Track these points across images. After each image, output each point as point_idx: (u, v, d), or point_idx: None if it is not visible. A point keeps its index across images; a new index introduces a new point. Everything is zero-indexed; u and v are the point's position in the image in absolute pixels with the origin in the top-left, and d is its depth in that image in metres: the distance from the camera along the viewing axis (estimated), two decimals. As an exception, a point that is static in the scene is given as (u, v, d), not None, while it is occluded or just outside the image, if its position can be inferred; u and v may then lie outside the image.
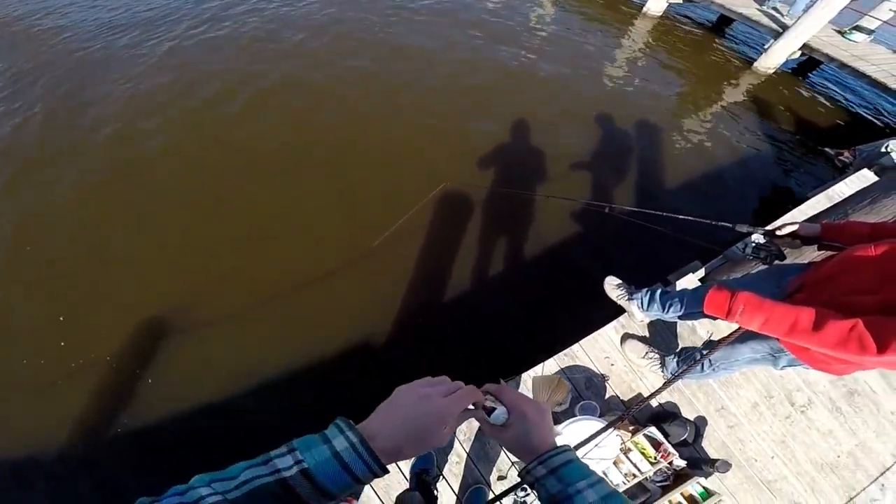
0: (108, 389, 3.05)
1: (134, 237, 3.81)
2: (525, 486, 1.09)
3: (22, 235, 3.84)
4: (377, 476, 0.53)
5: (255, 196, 4.08)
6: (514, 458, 2.25)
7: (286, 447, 0.52)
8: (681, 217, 1.94)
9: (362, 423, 0.58)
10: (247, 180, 4.21)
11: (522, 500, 2.07)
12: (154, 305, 3.38)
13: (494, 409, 0.66)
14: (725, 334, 1.60)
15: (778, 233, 1.70)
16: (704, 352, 1.89)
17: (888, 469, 2.33)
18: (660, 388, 1.51)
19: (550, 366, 2.49)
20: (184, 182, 4.24)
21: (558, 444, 0.66)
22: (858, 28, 6.95)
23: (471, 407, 0.66)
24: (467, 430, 2.30)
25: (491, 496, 2.09)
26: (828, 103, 6.28)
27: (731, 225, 1.78)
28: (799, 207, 3.34)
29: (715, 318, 1.55)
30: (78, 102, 5.16)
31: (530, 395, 0.86)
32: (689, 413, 2.37)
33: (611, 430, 1.53)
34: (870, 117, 6.17)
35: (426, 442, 0.57)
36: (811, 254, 2.10)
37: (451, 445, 2.25)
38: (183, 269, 3.60)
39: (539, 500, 0.63)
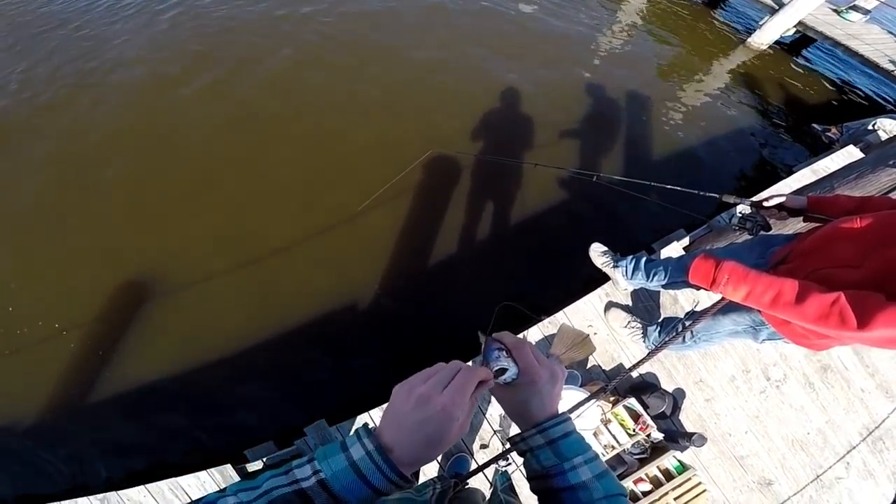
0: (79, 359, 2.97)
1: (111, 199, 3.69)
2: (507, 455, 1.06)
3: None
4: (399, 487, 0.49)
5: (238, 159, 3.96)
6: (497, 427, 2.24)
7: (307, 456, 0.50)
8: (668, 187, 1.91)
9: (376, 432, 0.53)
10: (231, 144, 4.08)
11: (504, 469, 2.08)
12: (130, 270, 3.29)
13: (506, 369, 0.61)
14: (708, 305, 1.57)
15: (765, 204, 1.67)
16: (687, 323, 1.87)
17: (854, 447, 2.39)
18: (642, 360, 1.49)
19: (534, 333, 2.48)
20: (164, 145, 4.08)
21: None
22: (855, 8, 6.89)
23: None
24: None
25: (473, 465, 2.09)
26: (818, 81, 6.25)
27: (717, 195, 1.76)
28: (785, 180, 3.33)
29: (699, 288, 1.52)
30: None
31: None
32: (668, 385, 2.38)
33: (594, 401, 1.51)
34: (859, 96, 6.16)
35: (442, 443, 0.51)
36: (796, 225, 2.09)
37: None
38: (159, 232, 3.48)
39: (527, 469, 0.60)
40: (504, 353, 0.62)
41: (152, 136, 4.12)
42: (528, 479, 0.61)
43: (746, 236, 1.77)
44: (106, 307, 3.15)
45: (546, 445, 0.57)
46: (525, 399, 0.61)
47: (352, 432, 0.52)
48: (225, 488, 0.48)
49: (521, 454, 0.62)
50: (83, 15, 5.64)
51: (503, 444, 2.15)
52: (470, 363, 0.64)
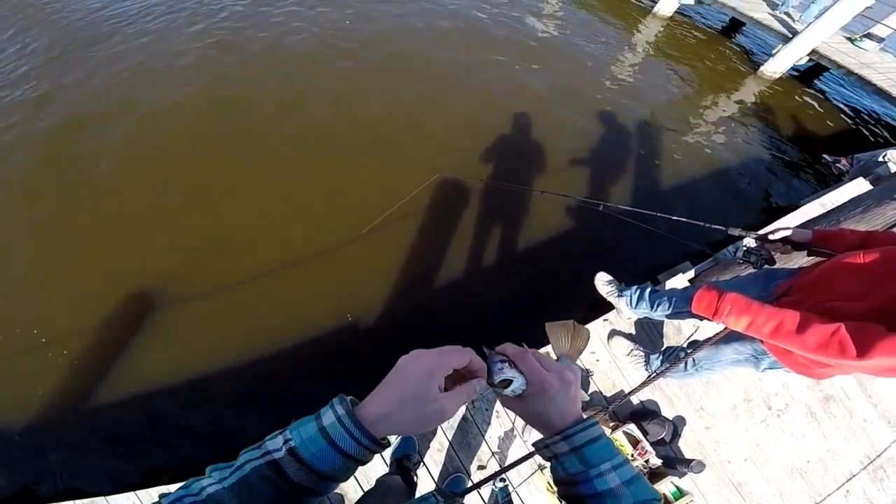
0: (82, 364, 3.03)
1: (122, 209, 3.78)
2: (503, 476, 1.07)
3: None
4: (370, 450, 0.49)
5: (249, 179, 4.04)
6: (496, 449, 2.26)
7: (280, 430, 0.49)
8: (674, 218, 1.94)
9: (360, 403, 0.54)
10: (240, 163, 4.17)
11: (500, 489, 2.09)
12: (138, 280, 3.35)
13: (510, 380, 0.58)
14: (710, 335, 1.60)
15: (769, 237, 1.70)
16: (688, 350, 1.89)
17: (854, 476, 2.37)
18: (640, 385, 1.52)
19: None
20: (177, 160, 4.19)
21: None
22: (869, 36, 6.91)
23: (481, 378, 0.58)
24: (451, 419, 2.31)
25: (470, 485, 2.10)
26: (831, 110, 6.23)
27: (723, 228, 1.78)
28: (792, 214, 3.34)
29: (702, 319, 1.55)
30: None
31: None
32: (668, 412, 2.39)
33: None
34: (871, 126, 6.14)
35: (419, 404, 0.50)
36: (802, 259, 2.10)
37: (433, 433, 2.26)
38: (167, 246, 3.56)
39: (553, 475, 0.58)
40: (507, 364, 0.59)
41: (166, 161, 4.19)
42: (556, 483, 0.59)
43: (751, 270, 1.80)
44: (112, 314, 3.22)
45: (571, 452, 0.55)
46: (541, 409, 0.58)
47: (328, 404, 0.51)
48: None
49: (546, 460, 0.59)
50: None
51: (500, 465, 2.17)
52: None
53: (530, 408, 0.59)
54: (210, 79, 5.04)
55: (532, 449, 0.64)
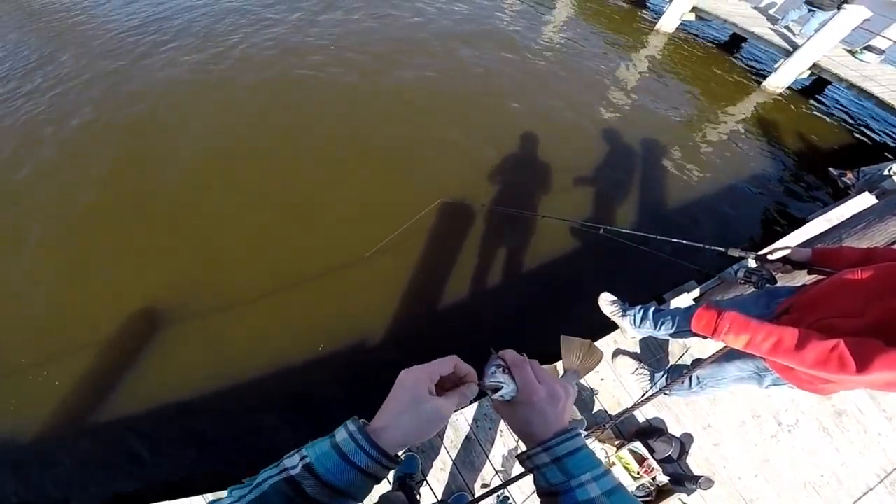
0: (93, 377, 3.08)
1: (135, 227, 3.90)
2: (506, 493, 1.10)
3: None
4: (381, 465, 0.51)
5: (256, 204, 4.13)
6: (499, 468, 2.28)
7: (297, 449, 0.52)
8: (673, 240, 1.97)
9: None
10: (250, 186, 4.27)
11: (501, 502, 2.11)
12: (142, 297, 3.44)
13: (501, 385, 0.60)
14: (713, 352, 1.62)
15: (769, 257, 1.73)
16: (690, 367, 1.91)
17: (871, 489, 2.34)
18: (643, 400, 1.54)
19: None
20: (188, 179, 4.32)
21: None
22: (869, 48, 6.95)
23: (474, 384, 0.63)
24: (454, 437, 2.34)
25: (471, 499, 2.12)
26: (834, 124, 6.24)
27: (723, 249, 1.81)
28: (797, 231, 3.36)
29: (705, 337, 1.57)
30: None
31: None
32: (675, 429, 2.40)
33: (591, 438, 1.56)
34: (876, 139, 6.14)
35: (420, 411, 0.55)
36: (804, 278, 2.13)
37: (436, 452, 2.28)
38: (173, 266, 3.65)
39: (536, 486, 0.59)
40: (502, 370, 0.61)
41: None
42: (539, 495, 0.60)
43: (753, 289, 1.83)
44: (124, 329, 3.28)
45: (552, 463, 0.56)
46: (525, 418, 0.60)
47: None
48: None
49: (529, 472, 0.61)
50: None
51: (518, 459, 2.17)
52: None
53: (517, 415, 0.61)
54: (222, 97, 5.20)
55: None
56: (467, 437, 2.35)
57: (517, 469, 2.26)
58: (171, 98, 5.27)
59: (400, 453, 0.55)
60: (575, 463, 0.55)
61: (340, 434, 0.52)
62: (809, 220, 3.55)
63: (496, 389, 0.60)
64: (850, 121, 6.39)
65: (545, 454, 0.57)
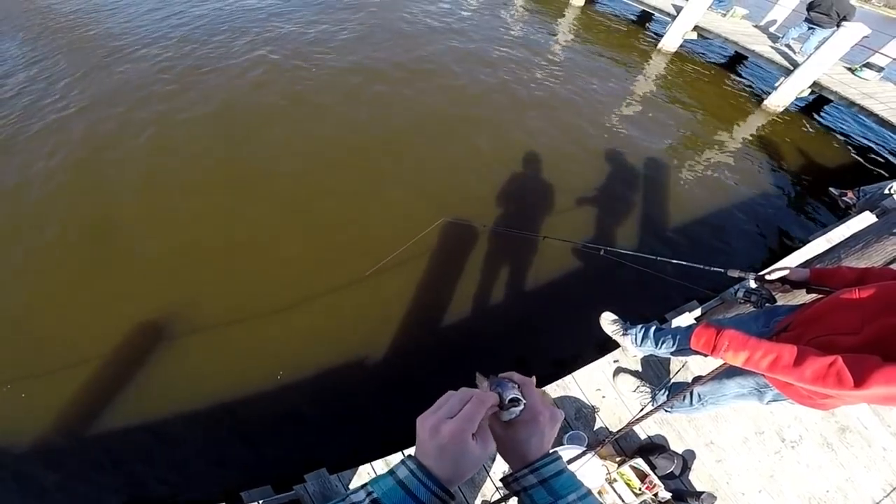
0: (91, 389, 3.09)
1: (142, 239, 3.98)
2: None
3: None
4: (440, 499, 0.53)
5: (253, 214, 4.20)
6: (500, 485, 2.30)
7: (360, 485, 0.54)
8: (673, 261, 2.01)
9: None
10: (245, 201, 4.34)
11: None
12: (142, 311, 3.47)
13: (519, 400, 0.61)
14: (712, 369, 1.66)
15: (768, 277, 1.77)
16: (691, 383, 1.95)
17: (878, 503, 2.34)
18: (644, 416, 1.58)
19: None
20: (194, 195, 4.40)
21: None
22: (869, 65, 7.03)
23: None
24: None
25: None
26: (835, 142, 6.29)
27: (722, 270, 1.85)
28: (799, 251, 3.38)
29: (706, 355, 1.61)
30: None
31: None
32: (678, 446, 2.42)
33: (592, 454, 1.59)
34: (877, 157, 6.18)
35: (463, 463, 0.55)
36: (804, 297, 2.17)
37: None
38: (175, 279, 3.69)
39: None
40: (517, 387, 0.63)
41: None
42: None
43: (753, 308, 1.87)
44: (123, 343, 3.30)
45: (539, 485, 0.57)
46: (525, 438, 0.60)
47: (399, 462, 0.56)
48: None
49: (514, 494, 0.61)
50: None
51: (502, 482, 2.17)
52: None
53: (517, 435, 0.61)
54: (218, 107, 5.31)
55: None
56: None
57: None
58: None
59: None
60: (561, 484, 0.57)
61: (401, 471, 0.54)
62: (811, 240, 3.58)
63: (515, 405, 0.61)
64: (851, 139, 6.44)
65: (532, 475, 0.58)
